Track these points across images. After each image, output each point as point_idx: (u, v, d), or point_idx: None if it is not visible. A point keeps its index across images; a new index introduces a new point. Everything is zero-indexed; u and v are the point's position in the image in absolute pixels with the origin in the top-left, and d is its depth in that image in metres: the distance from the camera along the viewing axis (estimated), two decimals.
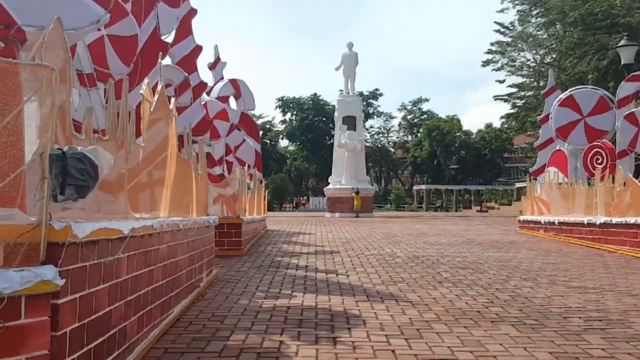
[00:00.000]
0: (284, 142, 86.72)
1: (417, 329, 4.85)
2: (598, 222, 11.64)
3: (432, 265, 8.90)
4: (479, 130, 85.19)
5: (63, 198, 2.69)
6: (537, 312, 5.57)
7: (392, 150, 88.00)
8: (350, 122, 34.39)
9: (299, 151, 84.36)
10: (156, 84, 5.06)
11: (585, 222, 12.25)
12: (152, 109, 4.67)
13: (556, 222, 13.92)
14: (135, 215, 4.11)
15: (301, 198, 73.76)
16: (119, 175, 3.89)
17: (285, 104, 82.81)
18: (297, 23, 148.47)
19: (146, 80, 4.60)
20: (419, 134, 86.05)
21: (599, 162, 13.75)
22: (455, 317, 5.29)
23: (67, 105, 3.08)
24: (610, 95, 15.88)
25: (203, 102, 11.02)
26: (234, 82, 12.57)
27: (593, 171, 13.47)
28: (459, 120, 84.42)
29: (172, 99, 5.50)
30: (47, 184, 2.62)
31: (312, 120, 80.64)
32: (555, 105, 16.33)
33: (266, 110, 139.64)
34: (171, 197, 5.29)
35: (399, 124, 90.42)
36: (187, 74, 8.71)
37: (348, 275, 7.81)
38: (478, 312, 5.57)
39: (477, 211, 60.34)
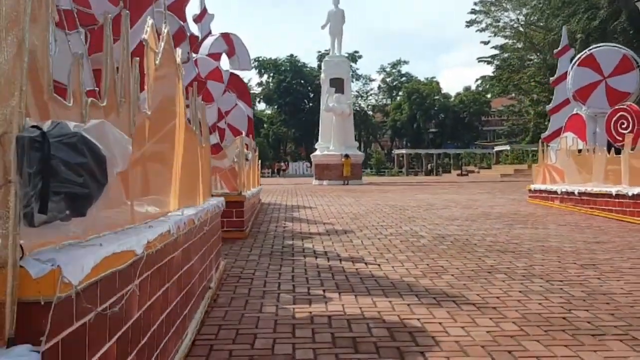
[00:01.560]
0: (261, 106, 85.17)
1: (509, 351, 3.72)
2: (631, 193, 10.61)
3: (466, 248, 7.77)
4: (458, 94, 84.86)
5: (45, 218, 1.43)
6: (634, 316, 4.48)
7: (371, 114, 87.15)
8: (337, 85, 32.89)
9: (276, 115, 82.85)
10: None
11: (614, 193, 11.23)
12: (157, 61, 3.34)
13: (576, 192, 12.88)
14: (139, 209, 2.84)
15: (282, 163, 72.52)
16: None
17: (262, 65, 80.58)
18: None
19: (149, 20, 3.25)
20: (398, 98, 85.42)
21: (624, 126, 12.67)
22: (543, 329, 4.15)
23: (44, 53, 1.78)
24: (634, 54, 14.74)
25: (194, 59, 9.57)
26: (226, 37, 11.08)
27: (617, 137, 12.42)
28: (438, 83, 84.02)
29: (178, 50, 4.15)
30: (14, 194, 1.36)
31: (290, 83, 79.02)
32: (573, 65, 15.15)
33: (242, 72, 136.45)
34: (181, 180, 4.00)
35: (378, 87, 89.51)
36: (182, 23, 7.27)
37: (379, 265, 6.62)
38: (564, 319, 4.44)
39: (458, 175, 59.99)
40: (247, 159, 10.74)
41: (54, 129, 1.45)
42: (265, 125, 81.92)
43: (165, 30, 3.60)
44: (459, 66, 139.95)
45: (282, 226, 10.45)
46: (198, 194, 5.12)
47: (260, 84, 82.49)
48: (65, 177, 1.43)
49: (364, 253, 7.41)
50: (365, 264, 6.72)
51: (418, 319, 4.40)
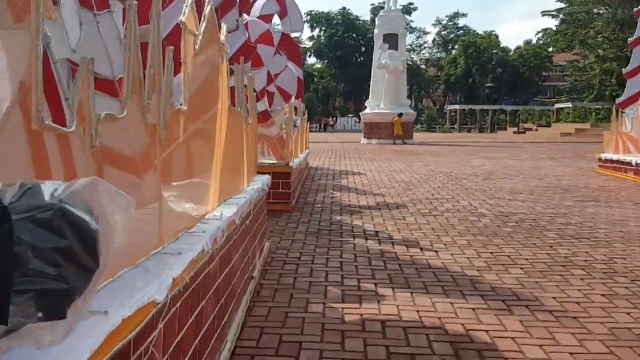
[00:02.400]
0: (311, 60, 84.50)
1: None
2: None
3: (534, 232, 7.15)
4: (518, 47, 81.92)
5: (4, 330, 1.01)
6: None
7: (424, 67, 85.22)
8: (391, 41, 31.73)
9: (327, 69, 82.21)
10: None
11: None
12: (197, 46, 2.86)
13: None
14: (169, 220, 2.42)
15: (330, 119, 71.89)
16: (147, 148, 2.19)
17: (313, 19, 79.94)
18: None
19: None
20: (453, 51, 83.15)
21: None
22: (636, 352, 3.61)
23: (36, 69, 1.34)
24: None
25: (244, 22, 9.04)
26: None
27: None
28: (496, 37, 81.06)
29: (223, 26, 3.66)
30: None
31: (341, 37, 78.09)
32: None
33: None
34: (222, 170, 3.58)
35: (433, 40, 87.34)
36: None
37: (437, 252, 6.12)
38: None
39: (514, 132, 58.12)
40: (295, 125, 10.27)
41: (20, 199, 1.01)
42: (315, 80, 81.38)
43: (208, 7, 3.11)
44: (518, 19, 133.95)
45: (329, 196, 10.02)
46: (242, 177, 4.70)
47: (311, 38, 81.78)
48: (34, 269, 0.99)
49: (419, 235, 6.91)
50: (421, 249, 6.23)
51: (486, 331, 3.91)
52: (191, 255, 2.22)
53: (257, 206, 4.87)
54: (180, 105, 2.61)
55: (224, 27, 3.55)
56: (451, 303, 4.48)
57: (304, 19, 78.88)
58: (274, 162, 8.62)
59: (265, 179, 5.66)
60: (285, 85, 12.80)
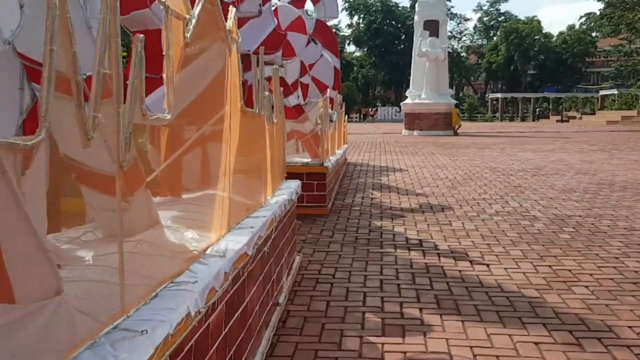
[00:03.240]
0: (350, 48, 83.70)
1: None
2: None
3: (595, 238, 6.32)
4: (561, 33, 79.50)
5: None
6: None
7: (465, 55, 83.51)
8: (432, 27, 30.56)
9: (366, 57, 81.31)
10: None
11: None
12: (188, 34, 2.21)
13: None
14: (152, 250, 1.79)
15: (370, 109, 71.07)
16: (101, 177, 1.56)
17: (352, 7, 78.95)
18: None
19: None
20: (495, 38, 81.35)
21: None
22: None
23: None
24: None
25: (273, 8, 8.39)
26: None
27: None
28: (539, 22, 78.87)
29: (232, 9, 2.99)
30: None
31: (380, 24, 77.01)
32: None
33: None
34: (233, 189, 2.92)
35: (474, 27, 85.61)
36: None
37: (488, 265, 5.37)
38: None
39: (557, 121, 56.30)
40: (331, 120, 9.59)
41: None
42: (354, 69, 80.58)
43: None
44: (560, 3, 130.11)
45: (369, 196, 9.30)
46: (264, 188, 4.05)
47: (350, 26, 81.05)
48: None
49: (467, 244, 6.16)
50: (471, 262, 5.49)
51: None
52: (164, 332, 1.57)
53: (283, 221, 4.23)
54: (164, 114, 1.96)
55: (232, 10, 2.88)
56: (510, 335, 3.76)
57: (342, 6, 78.49)
58: (308, 161, 7.97)
59: (294, 186, 5.01)
60: (320, 76, 12.13)
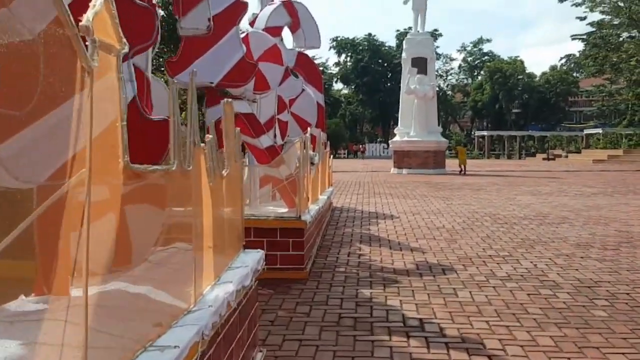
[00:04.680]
0: (338, 86, 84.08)
1: None
2: None
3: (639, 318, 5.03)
4: (544, 73, 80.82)
5: None
6: None
7: (451, 93, 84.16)
8: (420, 65, 29.77)
9: (354, 95, 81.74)
10: None
11: None
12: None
13: None
14: None
15: (360, 145, 71.00)
16: None
17: (339, 45, 79.70)
18: None
19: None
20: (479, 77, 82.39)
21: None
22: None
23: None
24: None
25: (242, 34, 7.18)
26: (289, 6, 8.57)
27: None
28: (522, 62, 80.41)
29: (88, 14, 1.67)
30: None
31: (367, 63, 77.72)
32: None
33: (319, 52, 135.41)
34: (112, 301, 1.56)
35: (459, 67, 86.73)
36: None
37: None
38: None
39: (543, 159, 56.10)
40: (312, 163, 8.32)
41: None
42: (342, 105, 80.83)
43: None
44: (541, 45, 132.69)
45: (356, 252, 7.95)
46: (194, 280, 2.71)
47: (337, 64, 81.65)
48: None
49: (481, 327, 4.81)
50: (489, 358, 4.14)
51: None
52: None
53: (230, 320, 2.89)
54: None
55: (96, 6, 1.58)
56: None
57: (329, 45, 78.83)
58: (283, 214, 6.63)
59: (253, 262, 3.67)
60: (302, 113, 10.89)
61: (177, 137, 2.39)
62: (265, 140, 7.06)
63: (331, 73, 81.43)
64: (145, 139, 2.72)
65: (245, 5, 6.68)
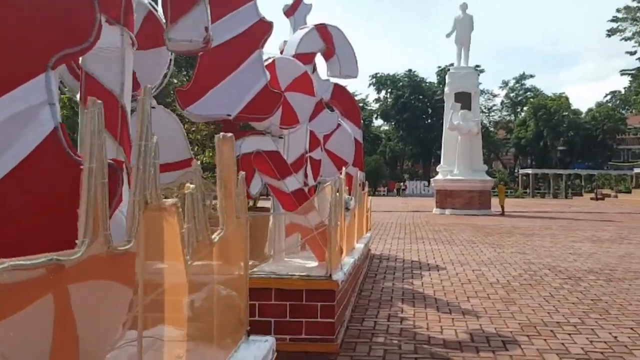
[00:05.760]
0: (377, 122, 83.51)
1: None
2: None
3: None
4: (590, 110, 78.63)
5: None
6: None
7: (493, 130, 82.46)
8: (463, 100, 28.57)
9: (394, 131, 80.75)
10: None
11: None
12: None
13: None
14: None
15: (402, 183, 69.93)
16: None
17: (379, 82, 79.24)
18: None
19: None
20: (522, 113, 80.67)
21: None
22: None
23: None
24: None
25: (268, 61, 6.24)
26: (323, 31, 7.61)
27: None
28: (567, 98, 78.46)
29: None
30: None
31: (408, 99, 76.98)
32: None
33: (359, 87, 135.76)
34: None
35: (501, 103, 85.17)
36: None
37: None
38: None
39: (592, 199, 53.54)
40: (347, 209, 7.23)
41: None
42: (382, 142, 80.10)
43: None
44: (584, 81, 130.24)
45: (397, 315, 6.76)
46: None
47: (377, 100, 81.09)
48: None
49: None
50: None
51: None
52: None
53: None
54: None
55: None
56: None
57: (369, 82, 78.52)
58: (309, 274, 5.53)
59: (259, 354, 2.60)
60: (338, 150, 9.88)
61: (89, 197, 1.37)
62: (291, 183, 6.03)
63: (371, 109, 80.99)
64: (71, 190, 1.72)
65: (270, 25, 5.76)
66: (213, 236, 2.42)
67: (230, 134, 2.72)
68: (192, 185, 2.17)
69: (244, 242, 2.97)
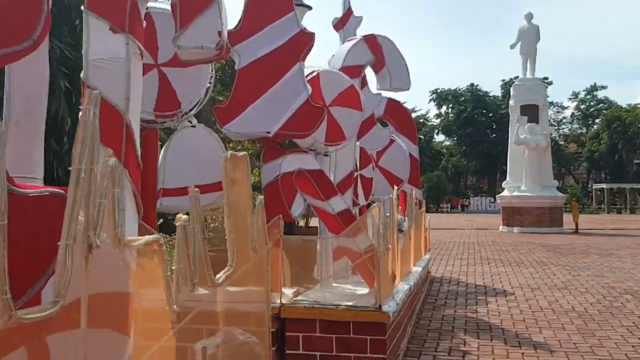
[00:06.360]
0: (439, 137, 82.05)
1: None
2: None
3: None
4: None
5: None
6: None
7: (563, 144, 79.40)
8: (530, 112, 27.33)
9: (456, 147, 79.10)
10: None
11: None
12: None
13: None
14: None
15: (465, 200, 68.26)
16: None
17: (440, 97, 78.01)
18: (449, 6, 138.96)
19: None
20: (595, 126, 77.27)
21: None
22: None
23: None
24: None
25: (310, 74, 5.83)
26: (371, 42, 7.15)
27: None
28: None
29: None
30: None
31: (470, 113, 75.29)
32: None
33: (419, 103, 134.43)
34: None
35: (571, 115, 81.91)
36: None
37: None
38: None
39: None
40: (401, 230, 6.70)
41: None
42: (444, 158, 78.67)
43: None
44: None
45: (459, 349, 6.10)
46: None
47: (438, 115, 79.73)
48: None
49: None
50: None
51: None
52: None
53: None
54: None
55: None
56: None
57: (429, 97, 77.51)
58: (356, 304, 5.03)
59: None
60: (392, 167, 9.37)
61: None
62: (337, 204, 5.56)
63: (432, 125, 79.74)
64: (16, 228, 1.32)
65: (312, 36, 5.37)
66: (218, 276, 1.99)
67: (243, 153, 2.29)
68: (184, 217, 1.75)
69: (263, 279, 2.52)
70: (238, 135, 5.53)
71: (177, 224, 1.72)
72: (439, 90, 78.46)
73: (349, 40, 7.31)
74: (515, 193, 26.64)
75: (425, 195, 48.14)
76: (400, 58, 7.30)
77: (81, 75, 2.70)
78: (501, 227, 27.12)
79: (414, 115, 71.19)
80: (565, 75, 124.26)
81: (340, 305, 4.96)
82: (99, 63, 2.63)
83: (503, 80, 75.37)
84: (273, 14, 5.19)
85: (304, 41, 5.29)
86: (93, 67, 2.62)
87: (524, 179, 26.62)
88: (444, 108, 78.94)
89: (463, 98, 77.41)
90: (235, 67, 5.22)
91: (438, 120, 79.86)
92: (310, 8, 9.09)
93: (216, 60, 3.99)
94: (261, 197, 2.47)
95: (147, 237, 1.54)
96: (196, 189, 2.01)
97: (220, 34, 3.10)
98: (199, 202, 1.95)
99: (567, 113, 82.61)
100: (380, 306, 4.88)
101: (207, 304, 1.89)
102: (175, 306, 1.63)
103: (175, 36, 3.06)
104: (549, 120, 76.93)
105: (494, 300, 8.80)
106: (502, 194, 28.24)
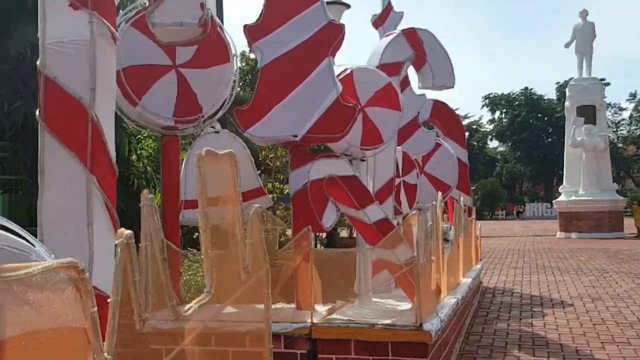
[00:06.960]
0: (493, 143, 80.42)
1: None
2: None
3: None
4: None
5: None
6: None
7: (622, 146, 76.56)
8: (587, 114, 26.12)
9: (510, 152, 77.43)
10: None
11: None
12: None
13: None
14: None
15: (520, 206, 66.52)
16: None
17: (493, 102, 76.57)
18: (501, 12, 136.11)
19: None
20: None
21: None
22: None
23: None
24: None
25: (342, 72, 5.41)
26: (412, 36, 6.66)
27: None
28: None
29: None
30: None
31: (524, 118, 73.65)
32: None
33: (471, 109, 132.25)
34: None
35: (630, 116, 78.98)
36: None
37: None
38: None
39: None
40: (446, 240, 6.18)
41: None
42: (498, 164, 77.11)
43: None
44: None
45: None
46: None
47: (492, 121, 78.29)
48: None
49: None
50: None
51: None
52: None
53: None
54: None
55: None
56: None
57: (482, 103, 76.17)
58: (394, 323, 4.55)
59: None
60: (438, 172, 8.84)
61: None
62: (374, 213, 5.11)
63: (485, 131, 78.25)
64: None
65: (341, 28, 4.95)
66: (187, 307, 1.58)
67: (228, 150, 1.89)
68: (127, 232, 1.36)
69: (262, 307, 2.11)
70: (262, 140, 5.18)
71: (116, 241, 1.34)
72: (491, 96, 77.09)
73: (386, 35, 6.86)
74: (573, 198, 25.46)
75: (479, 202, 46.54)
76: (444, 53, 6.79)
77: (37, 62, 2.34)
78: (558, 233, 25.99)
79: (466, 121, 69.95)
80: (623, 76, 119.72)
81: (377, 324, 4.51)
82: (57, 47, 2.25)
83: (558, 82, 73.30)
84: (298, 5, 4.81)
85: (333, 34, 4.88)
86: (51, 52, 2.25)
87: (581, 183, 25.44)
88: (497, 113, 77.57)
89: (517, 102, 75.84)
90: (258, 65, 4.86)
91: (491, 126, 78.47)
92: (348, 6, 8.66)
93: (200, 38, 3.51)
94: (256, 205, 2.08)
95: (48, 263, 1.15)
96: (150, 195, 1.63)
97: (203, 6, 2.68)
98: (156, 212, 1.56)
99: (626, 114, 79.80)
100: (421, 325, 4.40)
101: (170, 342, 1.49)
102: (106, 354, 1.24)
103: (148, 11, 2.68)
104: (607, 122, 74.42)
105: (550, 312, 8.14)
106: (559, 198, 27.08)
